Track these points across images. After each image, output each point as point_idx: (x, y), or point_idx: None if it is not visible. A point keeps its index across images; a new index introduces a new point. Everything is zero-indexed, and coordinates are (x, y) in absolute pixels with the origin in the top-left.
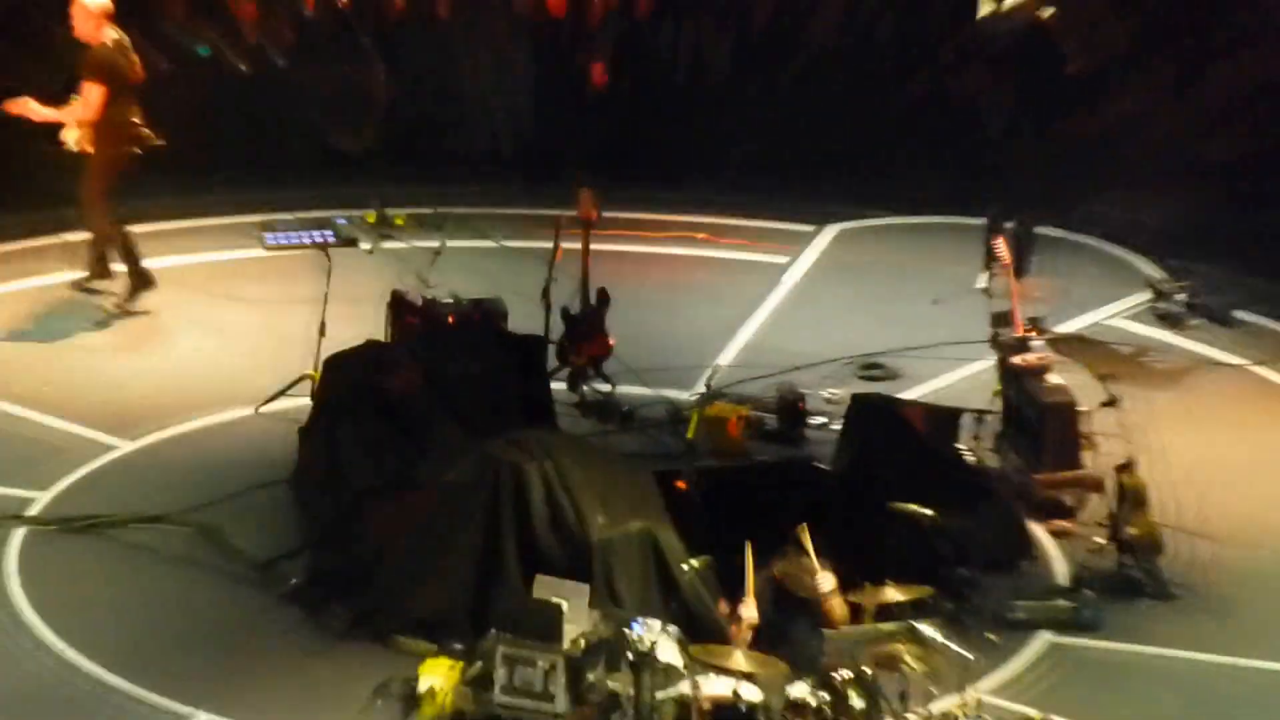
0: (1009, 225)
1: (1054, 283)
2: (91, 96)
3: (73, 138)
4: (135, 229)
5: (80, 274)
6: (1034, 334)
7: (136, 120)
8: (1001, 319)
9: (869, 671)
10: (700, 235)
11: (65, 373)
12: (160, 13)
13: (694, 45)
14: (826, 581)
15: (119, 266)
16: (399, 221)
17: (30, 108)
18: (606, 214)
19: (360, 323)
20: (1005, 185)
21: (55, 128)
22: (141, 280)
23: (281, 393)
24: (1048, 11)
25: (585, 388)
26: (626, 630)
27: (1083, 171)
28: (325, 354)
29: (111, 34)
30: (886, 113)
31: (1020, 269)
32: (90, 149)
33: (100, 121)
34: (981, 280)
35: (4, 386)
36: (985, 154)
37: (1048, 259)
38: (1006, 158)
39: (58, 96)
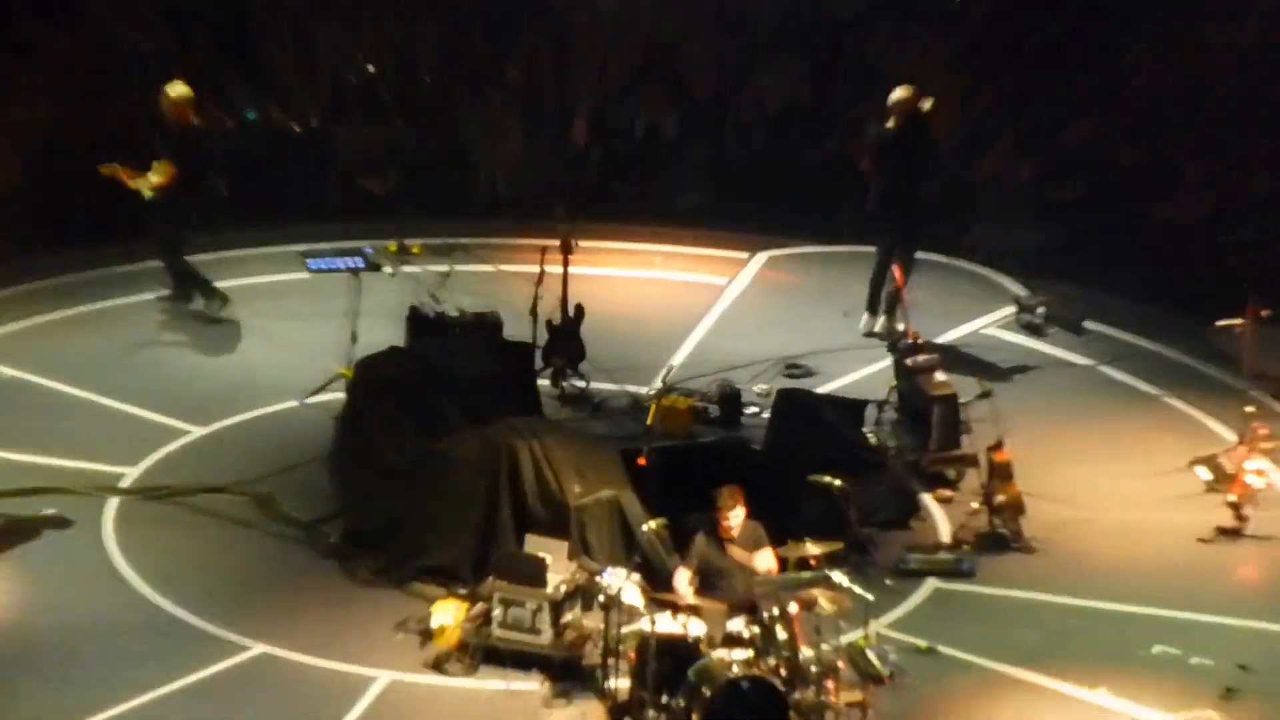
0: (897, 252)
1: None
2: (170, 169)
3: (146, 189)
4: (203, 257)
5: (164, 293)
6: (921, 341)
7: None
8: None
9: (792, 609)
10: (656, 260)
11: (150, 372)
12: (226, 81)
13: (650, 112)
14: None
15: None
16: (416, 250)
17: (120, 173)
18: (582, 243)
19: (385, 332)
20: (892, 224)
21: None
22: (217, 295)
23: (321, 388)
24: (927, 103)
25: (564, 383)
26: (598, 578)
27: (959, 211)
28: (356, 357)
29: (194, 119)
30: (804, 164)
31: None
32: (157, 198)
33: (175, 185)
34: (864, 323)
35: (103, 383)
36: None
37: (933, 280)
38: (891, 206)
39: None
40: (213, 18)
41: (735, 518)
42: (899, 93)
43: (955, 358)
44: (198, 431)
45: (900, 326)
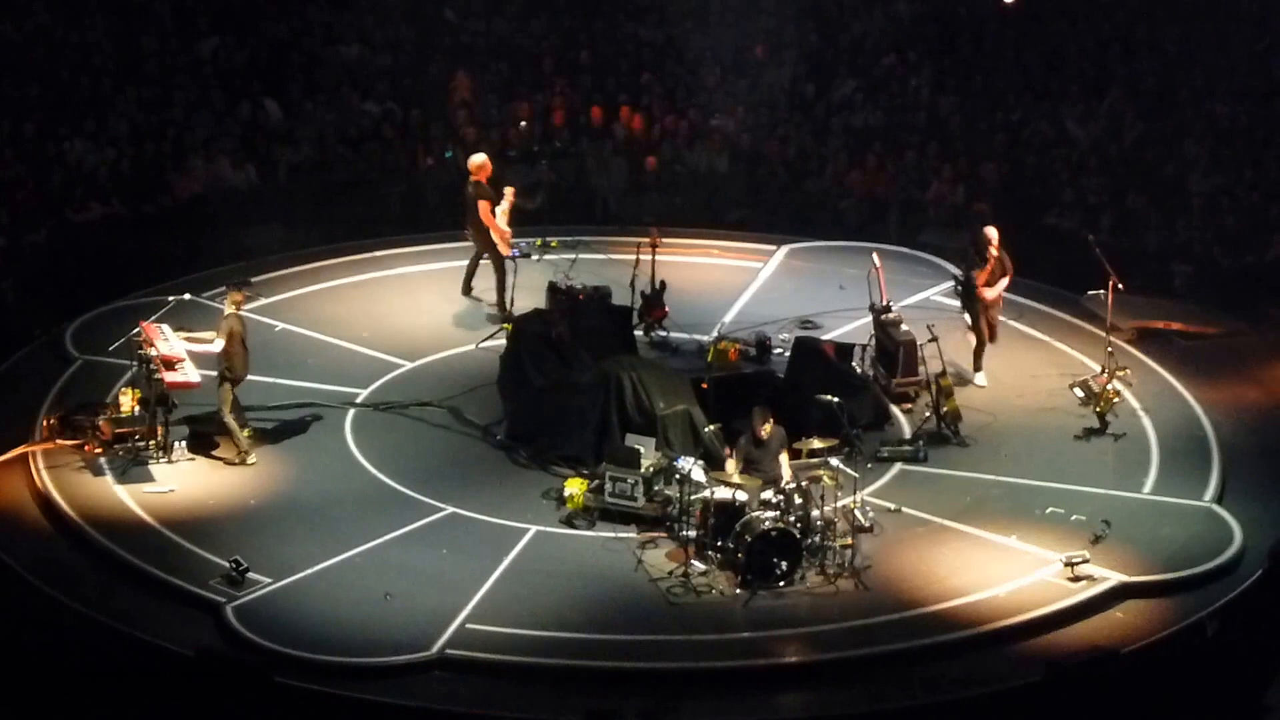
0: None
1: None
2: (486, 208)
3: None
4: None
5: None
6: (889, 304)
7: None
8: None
9: (805, 484)
10: (715, 251)
11: (377, 325)
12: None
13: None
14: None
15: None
16: (554, 244)
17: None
18: (663, 240)
19: (533, 298)
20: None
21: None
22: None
23: (491, 336)
24: None
25: (652, 334)
26: (675, 463)
27: (917, 219)
28: (514, 315)
29: (485, 173)
30: (808, 191)
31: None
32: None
33: (484, 213)
34: (841, 281)
35: (345, 332)
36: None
37: (899, 265)
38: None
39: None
40: (421, 92)
41: (767, 424)
42: None
43: (913, 316)
44: (408, 365)
45: (876, 295)
